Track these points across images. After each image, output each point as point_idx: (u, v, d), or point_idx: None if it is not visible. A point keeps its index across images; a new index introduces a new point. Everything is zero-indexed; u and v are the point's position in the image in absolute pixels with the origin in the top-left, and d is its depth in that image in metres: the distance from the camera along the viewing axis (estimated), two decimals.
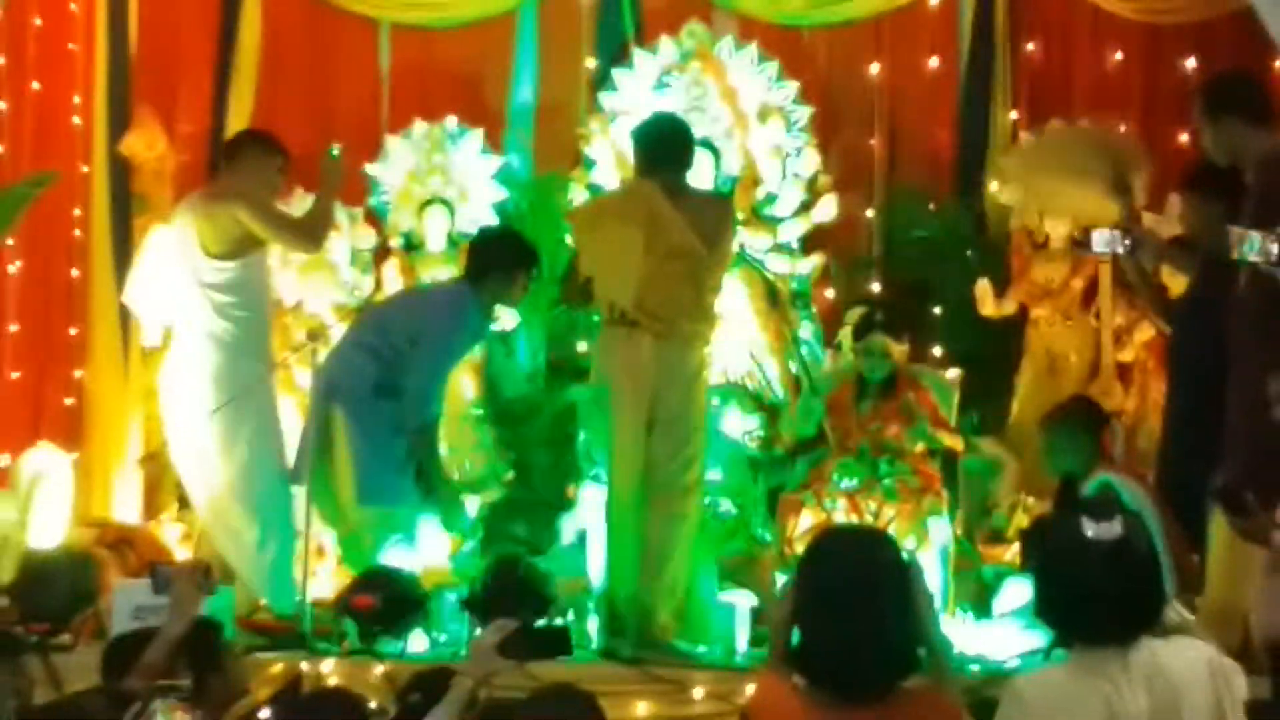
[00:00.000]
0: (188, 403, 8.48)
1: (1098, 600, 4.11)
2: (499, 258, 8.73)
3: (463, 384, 10.15)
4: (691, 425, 7.99)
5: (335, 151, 8.88)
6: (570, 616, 8.36)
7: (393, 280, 10.33)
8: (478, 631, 8.03)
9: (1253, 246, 5.55)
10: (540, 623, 7.54)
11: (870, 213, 10.75)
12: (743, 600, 8.34)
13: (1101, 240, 7.82)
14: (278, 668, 7.53)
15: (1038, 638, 7.18)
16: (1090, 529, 4.13)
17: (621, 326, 7.95)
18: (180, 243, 8.55)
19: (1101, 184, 8.84)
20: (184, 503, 9.34)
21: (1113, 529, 4.13)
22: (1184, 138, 10.36)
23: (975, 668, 7.30)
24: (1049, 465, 8.42)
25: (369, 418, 8.47)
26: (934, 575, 8.03)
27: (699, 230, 7.89)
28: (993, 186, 10.38)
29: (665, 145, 8.20)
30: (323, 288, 10.34)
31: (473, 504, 9.95)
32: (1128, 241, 7.85)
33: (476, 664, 5.05)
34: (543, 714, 4.41)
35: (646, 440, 7.93)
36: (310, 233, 8.69)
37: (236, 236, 8.43)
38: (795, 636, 4.22)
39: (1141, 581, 4.16)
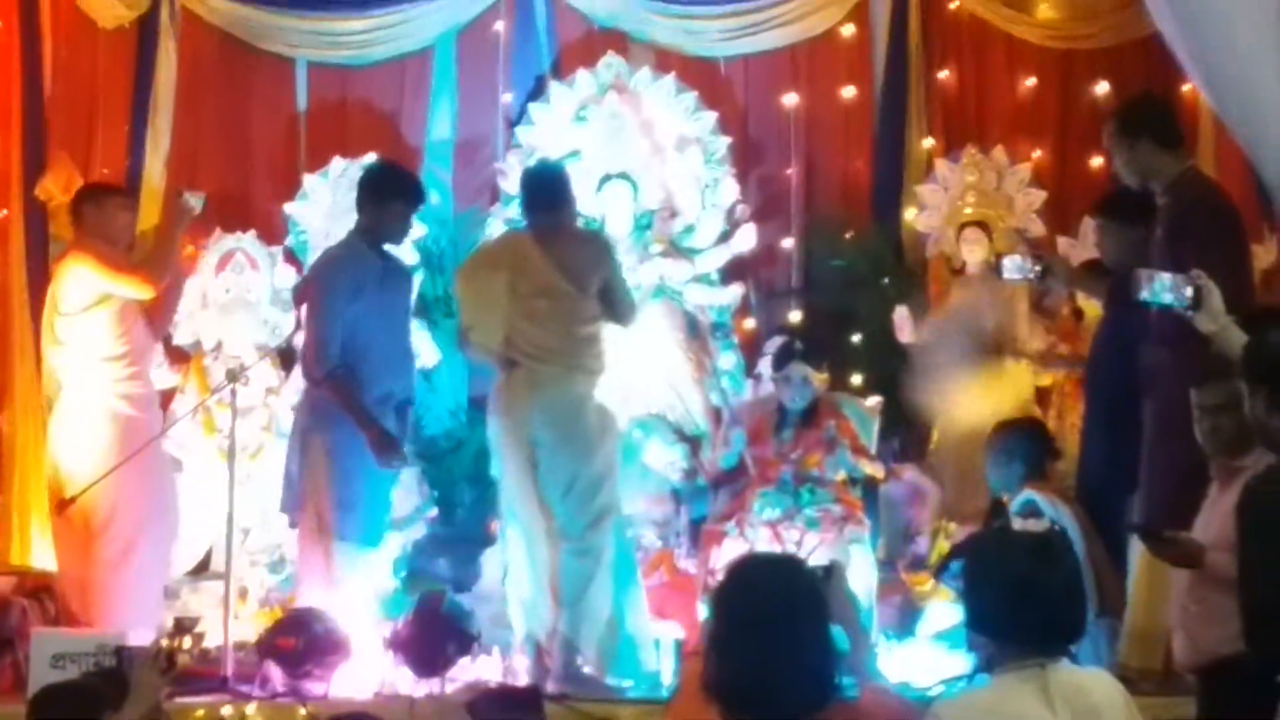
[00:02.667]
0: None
1: (1025, 596, 4.15)
2: (373, 191, 8.48)
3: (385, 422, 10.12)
4: (577, 459, 7.98)
5: (193, 200, 9.05)
6: (494, 654, 8.37)
7: None
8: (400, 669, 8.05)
9: (1164, 288, 5.56)
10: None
11: (789, 242, 10.78)
12: (669, 633, 8.35)
13: (1013, 267, 7.87)
14: (200, 713, 7.49)
15: (961, 663, 7.19)
16: (1018, 524, 4.19)
17: (503, 368, 8.14)
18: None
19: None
20: None
21: (1039, 525, 4.20)
22: (1097, 162, 10.45)
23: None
24: (988, 480, 8.46)
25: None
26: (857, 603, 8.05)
27: (570, 268, 8.05)
28: (909, 214, 10.42)
29: (535, 191, 8.40)
30: (243, 328, 10.29)
31: (397, 542, 9.93)
32: (1038, 268, 7.90)
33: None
34: None
35: (536, 477, 8.01)
36: (146, 274, 8.93)
37: (82, 292, 8.78)
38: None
39: (1065, 582, 4.21)
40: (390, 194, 8.41)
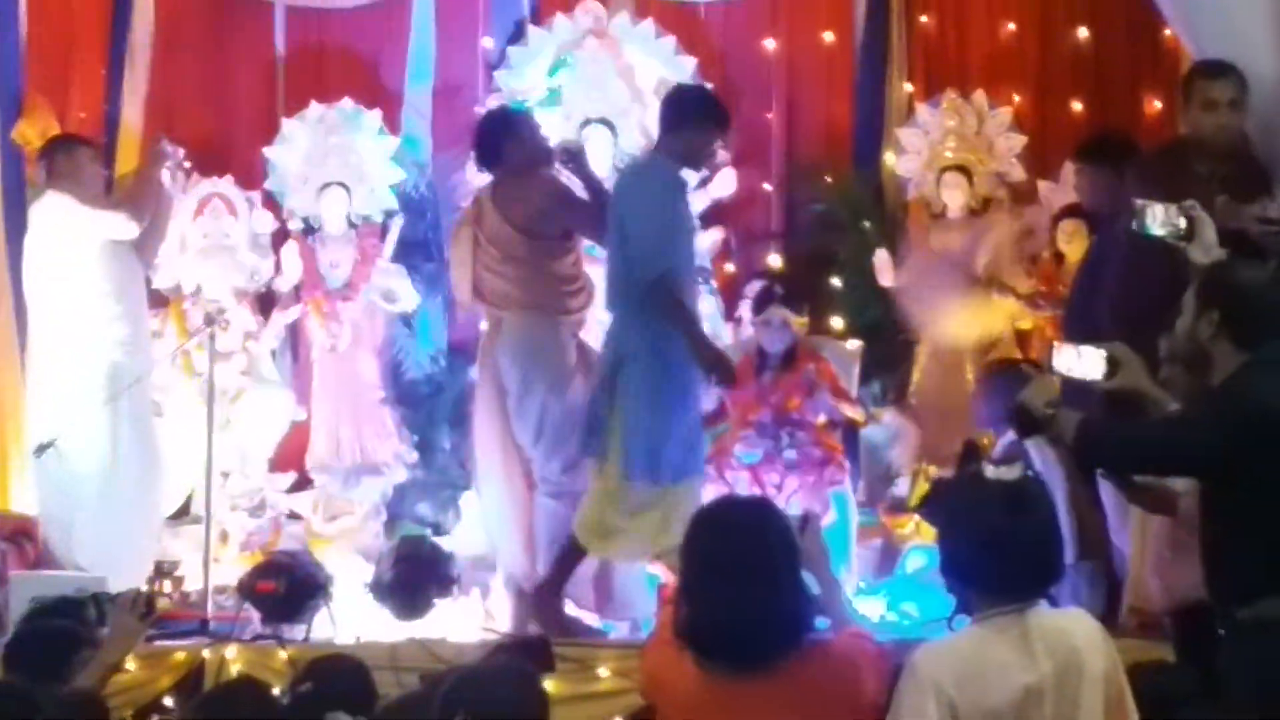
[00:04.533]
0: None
1: (997, 545, 4.13)
2: (689, 114, 8.03)
3: (364, 366, 10.14)
4: (545, 401, 7.99)
5: (169, 147, 9.17)
6: (474, 596, 8.40)
7: (292, 263, 10.28)
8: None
9: (1155, 219, 5.55)
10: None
11: (769, 186, 10.76)
12: (651, 575, 8.37)
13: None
14: (179, 655, 7.50)
15: (940, 604, 7.22)
16: (990, 471, 4.17)
17: (489, 315, 8.24)
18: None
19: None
20: None
21: (1012, 472, 4.17)
22: (1077, 107, 10.44)
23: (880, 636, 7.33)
24: (975, 417, 8.47)
25: None
26: (837, 546, 8.07)
27: (515, 213, 8.07)
28: (889, 159, 10.41)
29: (476, 144, 8.45)
30: (221, 272, 10.27)
31: (377, 486, 9.95)
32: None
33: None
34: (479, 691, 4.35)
35: (508, 423, 8.05)
36: (126, 211, 9.01)
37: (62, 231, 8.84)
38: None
39: (1038, 529, 4.19)
40: (706, 119, 8.03)
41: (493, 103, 10.38)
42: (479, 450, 8.26)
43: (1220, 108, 7.07)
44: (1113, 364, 5.23)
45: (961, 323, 9.47)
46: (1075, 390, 5.31)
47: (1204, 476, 5.18)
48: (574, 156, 8.36)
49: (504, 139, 8.26)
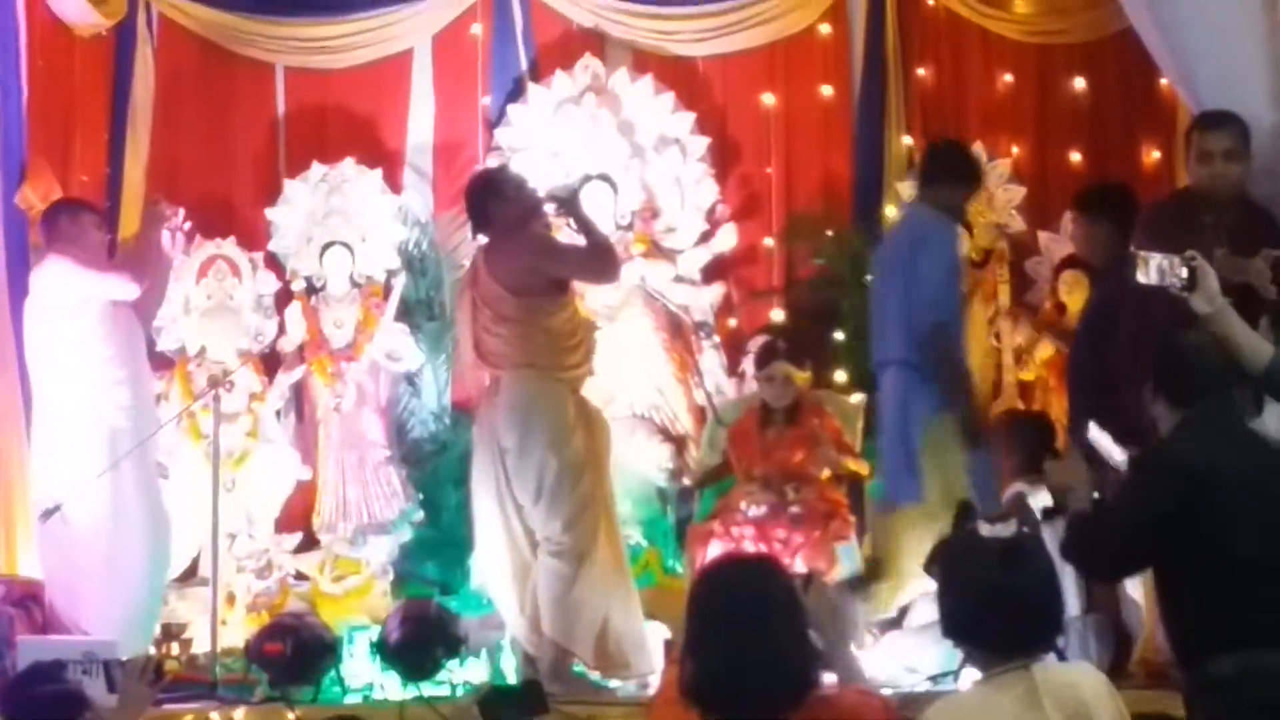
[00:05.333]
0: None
1: (994, 603, 4.15)
2: (955, 169, 8.58)
3: (369, 425, 10.16)
4: (542, 459, 7.95)
5: (168, 210, 9.14)
6: (482, 656, 8.39)
7: (296, 324, 10.31)
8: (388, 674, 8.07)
9: (1157, 270, 5.58)
10: (511, 682, 7.63)
11: (770, 241, 10.78)
12: (658, 632, 8.37)
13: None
14: (188, 718, 7.51)
15: (948, 659, 7.22)
16: (985, 529, 4.19)
17: (489, 375, 8.21)
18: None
19: None
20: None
21: (1006, 529, 4.19)
22: (1076, 157, 10.47)
23: (887, 691, 7.32)
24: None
25: None
26: (844, 600, 8.08)
27: (501, 271, 8.07)
28: (890, 211, 10.43)
29: (470, 205, 8.42)
30: (226, 333, 10.30)
31: (384, 545, 9.95)
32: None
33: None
34: None
35: (507, 483, 8.02)
36: (127, 273, 8.96)
37: (64, 294, 8.81)
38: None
39: (1035, 585, 4.21)
40: (968, 175, 8.62)
41: (493, 160, 10.43)
42: (478, 511, 8.22)
43: (1215, 159, 7.11)
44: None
45: None
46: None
47: (1157, 549, 5.24)
48: (565, 202, 8.36)
49: (488, 200, 8.23)
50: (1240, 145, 7.15)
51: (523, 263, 8.04)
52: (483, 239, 8.35)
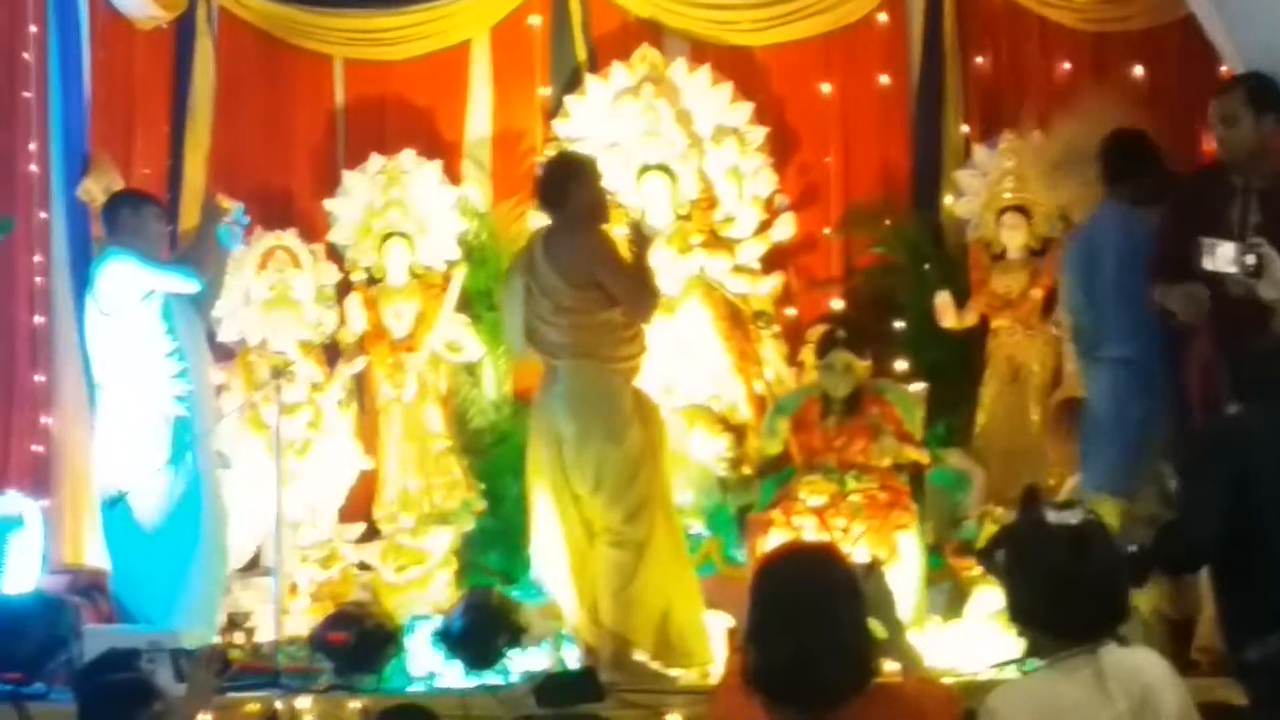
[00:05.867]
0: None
1: (1061, 588, 4.16)
2: (1138, 160, 8.42)
3: (429, 416, 10.20)
4: (602, 450, 7.99)
5: (227, 203, 9.26)
6: (545, 645, 8.42)
7: (356, 315, 10.35)
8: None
9: (1225, 256, 5.58)
10: (565, 669, 7.66)
11: (828, 230, 10.77)
12: (719, 621, 8.38)
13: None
14: (253, 706, 7.56)
15: (1010, 647, 7.21)
16: (1051, 516, 4.20)
17: (545, 364, 8.23)
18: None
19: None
20: None
21: (1074, 515, 4.20)
22: None
23: (949, 679, 7.32)
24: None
25: None
26: (905, 589, 8.08)
27: (561, 262, 8.09)
28: (948, 200, 10.42)
29: (538, 187, 8.52)
30: (287, 325, 10.35)
31: (444, 535, 9.99)
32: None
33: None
34: None
35: (565, 473, 8.04)
36: (189, 267, 9.08)
37: (125, 289, 8.86)
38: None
39: (1102, 570, 4.22)
40: (1151, 160, 8.44)
41: (551, 150, 10.46)
42: (535, 501, 8.26)
43: (1216, 125, 7.21)
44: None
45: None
46: None
47: (1226, 523, 5.25)
48: (637, 232, 8.42)
49: (569, 182, 8.26)
50: (1238, 108, 7.17)
51: (585, 261, 8.07)
52: (544, 223, 8.37)
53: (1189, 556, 5.59)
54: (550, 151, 10.42)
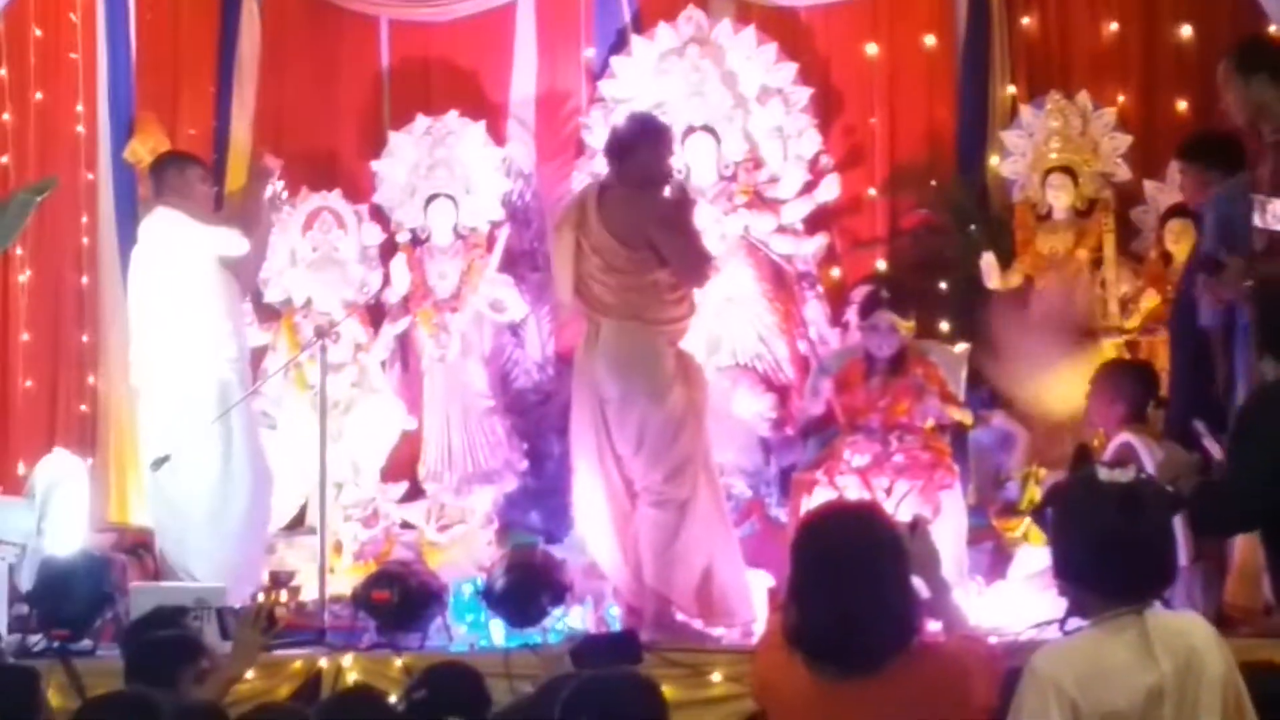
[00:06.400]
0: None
1: (1112, 547, 4.13)
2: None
3: (473, 375, 10.22)
4: (645, 411, 7.99)
5: (271, 162, 9.38)
6: (588, 603, 8.44)
7: (400, 275, 10.37)
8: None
9: (1275, 215, 5.56)
10: (605, 631, 7.68)
11: (873, 191, 10.74)
12: (762, 580, 8.40)
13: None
14: (297, 664, 7.59)
15: (1054, 607, 7.19)
16: (1104, 474, 4.19)
17: (588, 321, 8.23)
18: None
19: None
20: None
21: (1126, 474, 4.18)
22: (1183, 105, 10.37)
23: (993, 639, 7.31)
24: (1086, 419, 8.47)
25: None
26: (948, 549, 8.07)
27: (616, 221, 8.09)
28: (993, 161, 10.38)
29: (610, 138, 8.49)
30: (331, 285, 10.38)
31: (489, 495, 10.01)
32: None
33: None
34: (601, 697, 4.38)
35: (608, 432, 8.05)
36: (236, 227, 9.15)
37: (172, 248, 8.96)
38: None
39: (1153, 531, 4.20)
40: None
41: (596, 113, 10.46)
42: (577, 460, 8.28)
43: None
44: None
45: (1064, 383, 9.40)
46: None
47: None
48: (679, 187, 8.44)
49: (642, 143, 8.27)
50: (1231, 75, 7.33)
51: (643, 222, 8.07)
52: (600, 180, 8.40)
53: (1241, 520, 5.56)
54: (595, 113, 10.44)
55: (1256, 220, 5.62)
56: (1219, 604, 7.37)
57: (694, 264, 8.21)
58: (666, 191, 8.36)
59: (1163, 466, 5.87)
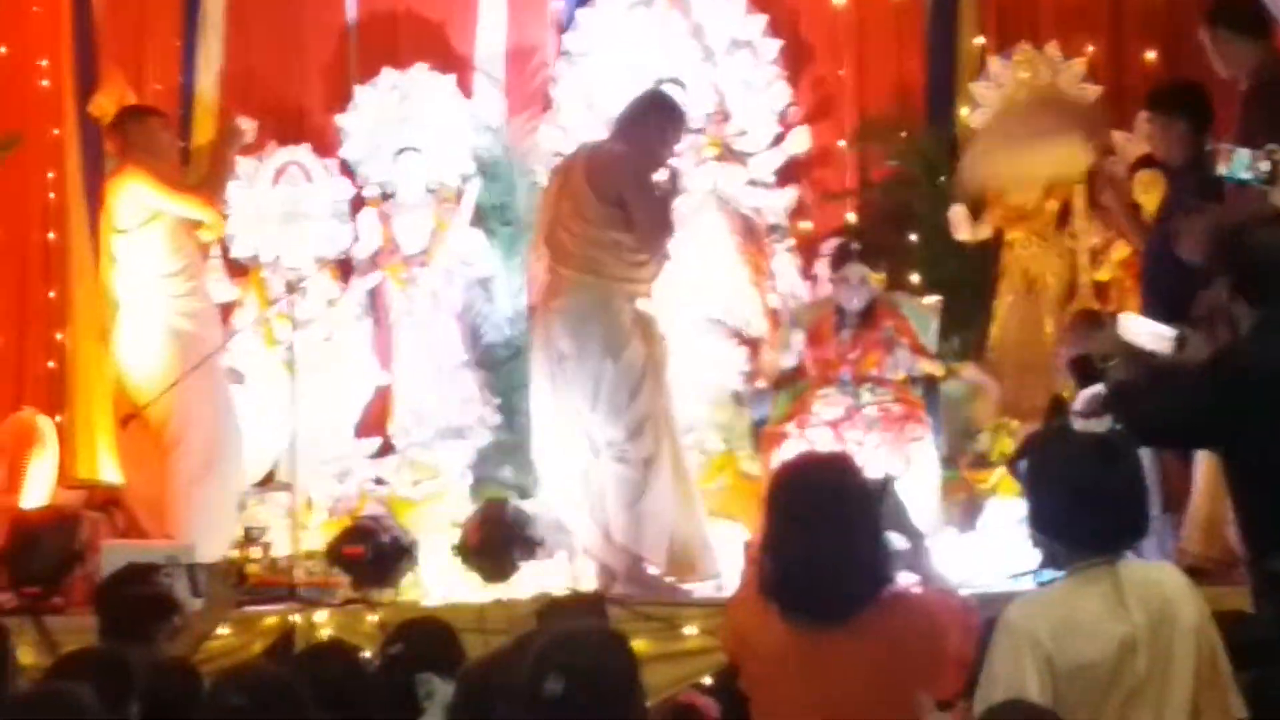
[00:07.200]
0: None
1: (1085, 499, 4.17)
2: None
3: (444, 330, 10.20)
4: (599, 367, 7.98)
5: (245, 124, 9.37)
6: (559, 558, 8.44)
7: (370, 230, 10.34)
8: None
9: (1241, 164, 5.54)
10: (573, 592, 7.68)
11: (843, 143, 10.72)
12: (734, 535, 8.40)
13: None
14: (270, 620, 7.59)
15: (1026, 559, 7.22)
16: (1079, 424, 4.21)
17: (551, 273, 8.26)
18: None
19: (1070, 134, 8.84)
20: None
21: (1100, 424, 4.20)
22: (1151, 56, 10.35)
23: (966, 590, 7.32)
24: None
25: None
26: (921, 501, 8.08)
27: (592, 172, 8.13)
28: (963, 112, 10.36)
29: (637, 105, 8.48)
30: (300, 240, 10.35)
31: (460, 450, 10.00)
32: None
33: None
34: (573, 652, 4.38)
35: (565, 387, 8.05)
36: (204, 195, 9.18)
37: (138, 208, 8.96)
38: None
39: (1126, 482, 4.22)
40: None
41: (563, 67, 10.43)
42: (537, 415, 8.29)
43: None
44: (1180, 344, 5.27)
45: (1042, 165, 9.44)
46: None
47: (1211, 440, 5.21)
48: (673, 173, 8.43)
49: (649, 112, 8.35)
50: (1202, 34, 7.44)
51: (621, 178, 8.08)
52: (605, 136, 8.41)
53: (1160, 417, 5.35)
54: (562, 66, 10.41)
55: (1220, 169, 5.61)
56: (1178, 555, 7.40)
57: (656, 233, 8.20)
58: (661, 174, 8.36)
59: (1101, 339, 5.81)
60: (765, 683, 4.40)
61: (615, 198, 8.07)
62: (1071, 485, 4.20)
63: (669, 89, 9.39)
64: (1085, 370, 5.44)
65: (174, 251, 9.00)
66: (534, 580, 8.22)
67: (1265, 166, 5.47)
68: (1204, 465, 7.27)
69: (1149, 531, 4.43)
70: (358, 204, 10.50)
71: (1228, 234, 5.38)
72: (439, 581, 8.45)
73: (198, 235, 9.28)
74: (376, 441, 10.19)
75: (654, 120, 8.30)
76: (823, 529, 4.21)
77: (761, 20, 10.45)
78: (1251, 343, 5.10)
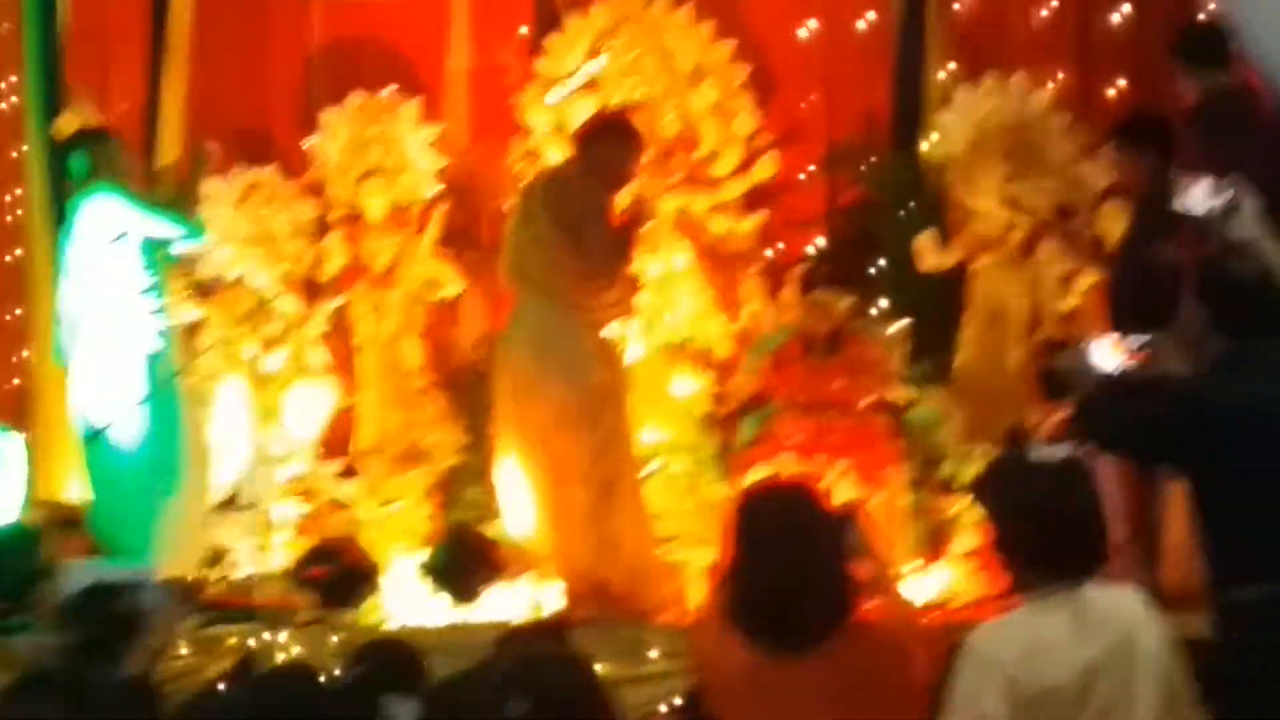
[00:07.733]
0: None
1: (1044, 524, 4.20)
2: None
3: (409, 352, 10.19)
4: (560, 392, 7.99)
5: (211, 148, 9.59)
6: (524, 581, 8.43)
7: (336, 252, 10.32)
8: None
9: (1199, 195, 5.58)
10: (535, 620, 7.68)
11: (810, 170, 10.74)
12: (700, 559, 8.39)
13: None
14: (231, 641, 7.56)
15: (990, 585, 7.23)
16: (1035, 452, 4.23)
17: (514, 298, 8.33)
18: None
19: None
20: None
21: (1056, 453, 4.22)
22: (1120, 85, 10.39)
23: (930, 618, 7.34)
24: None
25: None
26: (887, 528, 8.10)
27: (550, 195, 8.18)
28: (933, 137, 10.38)
29: (594, 126, 8.55)
30: (266, 261, 10.32)
31: (425, 471, 9.98)
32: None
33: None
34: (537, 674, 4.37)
35: (528, 411, 8.07)
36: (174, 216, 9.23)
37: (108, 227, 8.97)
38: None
39: (1085, 506, 4.24)
40: None
41: (533, 91, 10.43)
42: (499, 439, 8.29)
43: None
44: (1153, 354, 5.29)
45: None
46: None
47: (1173, 463, 5.24)
48: (638, 202, 8.53)
49: (605, 136, 8.35)
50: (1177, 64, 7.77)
51: (577, 207, 8.10)
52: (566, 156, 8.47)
53: (1114, 439, 5.36)
54: (530, 90, 10.41)
55: (1177, 205, 5.65)
56: (1154, 582, 7.40)
57: (606, 258, 8.20)
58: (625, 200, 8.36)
59: (1066, 355, 5.83)
60: (730, 707, 4.39)
61: (572, 222, 8.07)
62: (1029, 511, 4.23)
63: (625, 110, 9.37)
64: (1054, 384, 5.46)
65: (143, 269, 8.98)
66: (498, 603, 8.19)
67: (1217, 204, 5.51)
68: (1177, 495, 7.28)
69: (1110, 557, 4.43)
70: (324, 226, 10.47)
71: (1206, 265, 5.39)
72: (402, 603, 8.41)
73: (164, 253, 9.26)
74: (341, 462, 10.16)
75: (604, 142, 8.30)
76: (784, 555, 4.22)
77: (729, 46, 10.47)
78: (1214, 377, 5.10)
